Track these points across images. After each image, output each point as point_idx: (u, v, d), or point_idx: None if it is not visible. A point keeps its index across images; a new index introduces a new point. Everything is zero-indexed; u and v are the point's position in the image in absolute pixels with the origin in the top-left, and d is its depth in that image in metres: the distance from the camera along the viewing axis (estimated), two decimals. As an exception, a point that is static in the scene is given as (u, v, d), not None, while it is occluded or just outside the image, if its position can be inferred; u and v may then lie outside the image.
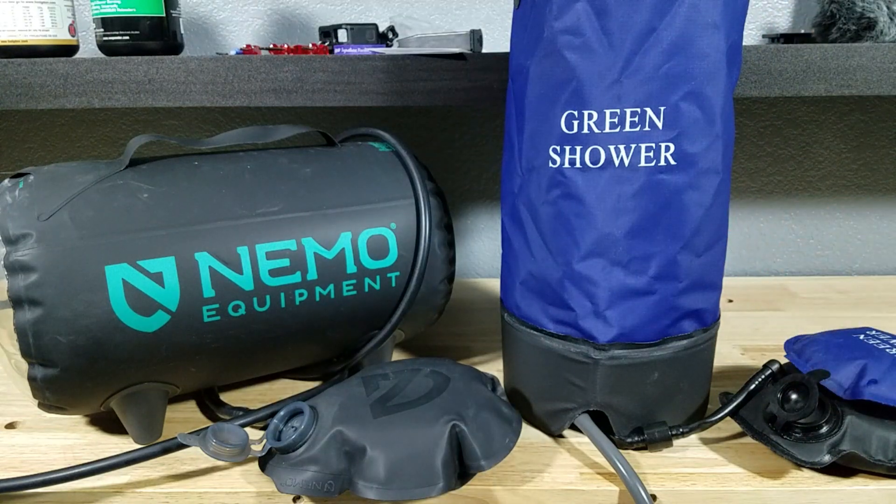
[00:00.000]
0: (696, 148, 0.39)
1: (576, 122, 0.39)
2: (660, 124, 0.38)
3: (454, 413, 0.38)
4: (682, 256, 0.40)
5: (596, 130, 0.38)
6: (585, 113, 0.38)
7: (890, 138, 0.78)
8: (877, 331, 0.45)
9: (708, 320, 0.43)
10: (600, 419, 0.43)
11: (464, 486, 0.39)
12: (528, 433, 0.45)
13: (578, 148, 0.39)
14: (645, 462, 0.42)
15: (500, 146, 0.79)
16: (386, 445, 0.36)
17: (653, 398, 0.42)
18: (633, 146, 0.38)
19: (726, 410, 0.43)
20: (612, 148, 0.38)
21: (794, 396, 0.40)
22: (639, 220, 0.39)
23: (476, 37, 0.60)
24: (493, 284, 0.77)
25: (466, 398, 0.40)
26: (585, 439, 0.45)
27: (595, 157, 0.39)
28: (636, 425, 0.42)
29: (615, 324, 0.40)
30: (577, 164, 0.39)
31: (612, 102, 0.38)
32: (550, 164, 0.40)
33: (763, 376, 0.43)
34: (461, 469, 0.38)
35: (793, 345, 0.46)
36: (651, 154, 0.38)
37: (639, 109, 0.38)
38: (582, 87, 0.38)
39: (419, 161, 0.51)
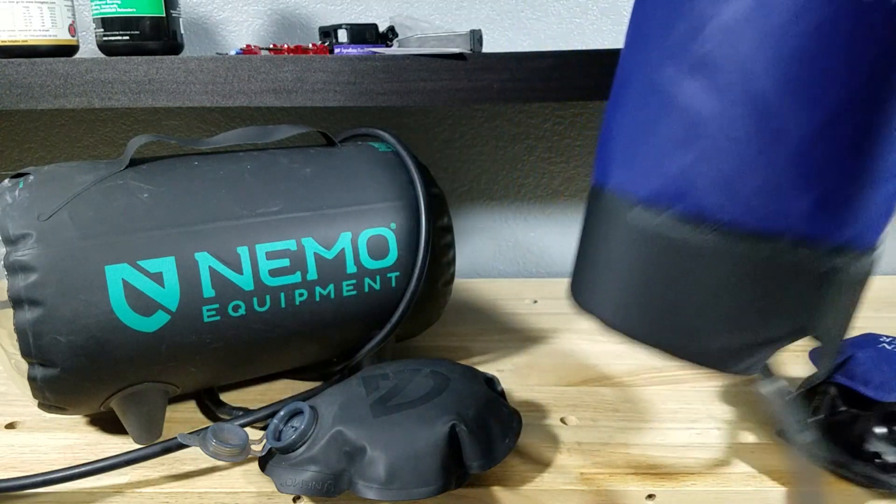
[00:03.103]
0: None
1: None
2: None
3: (454, 413, 0.38)
4: None
5: None
6: None
7: (890, 138, 0.78)
8: (885, 336, 0.45)
9: None
10: None
11: (464, 487, 0.39)
12: (528, 433, 0.45)
13: None
14: (645, 462, 0.42)
15: (500, 146, 0.79)
16: (386, 445, 0.36)
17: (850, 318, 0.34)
18: None
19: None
20: None
21: None
22: None
23: (476, 37, 0.60)
24: (494, 284, 0.77)
25: (466, 398, 0.40)
26: (586, 439, 0.44)
27: None
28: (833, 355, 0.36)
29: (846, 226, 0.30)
30: None
31: None
32: None
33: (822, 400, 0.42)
34: (461, 469, 0.38)
35: (818, 356, 0.44)
36: None
37: None
38: None
39: (419, 161, 0.51)
